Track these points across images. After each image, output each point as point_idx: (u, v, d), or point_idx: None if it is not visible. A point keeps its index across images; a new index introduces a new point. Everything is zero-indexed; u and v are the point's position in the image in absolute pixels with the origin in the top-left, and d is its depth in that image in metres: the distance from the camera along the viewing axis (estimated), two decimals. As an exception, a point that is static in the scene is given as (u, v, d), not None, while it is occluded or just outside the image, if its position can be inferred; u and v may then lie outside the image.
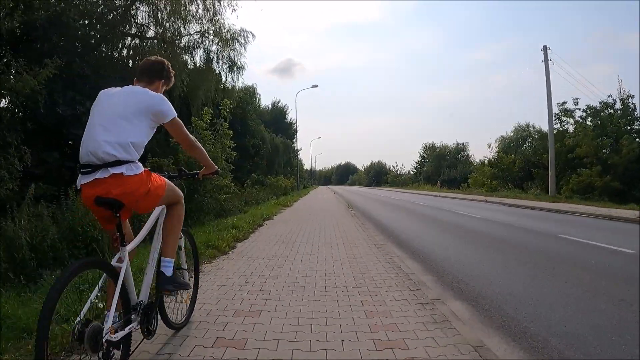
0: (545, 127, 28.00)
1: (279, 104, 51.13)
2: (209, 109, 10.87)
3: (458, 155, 52.91)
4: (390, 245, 6.82)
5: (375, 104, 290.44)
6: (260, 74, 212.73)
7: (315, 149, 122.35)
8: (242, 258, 5.42)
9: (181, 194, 2.51)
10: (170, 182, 2.43)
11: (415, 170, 62.79)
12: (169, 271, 2.34)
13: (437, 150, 56.48)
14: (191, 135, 2.46)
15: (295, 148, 40.51)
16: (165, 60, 2.53)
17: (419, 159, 61.26)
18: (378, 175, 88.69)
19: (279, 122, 47.43)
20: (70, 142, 11.77)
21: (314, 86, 36.71)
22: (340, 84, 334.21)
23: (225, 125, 10.86)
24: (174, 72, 2.57)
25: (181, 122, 2.33)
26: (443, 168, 49.91)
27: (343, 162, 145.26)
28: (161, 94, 2.34)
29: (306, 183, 62.52)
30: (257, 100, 36.07)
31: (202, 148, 2.57)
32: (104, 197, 1.97)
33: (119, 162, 1.99)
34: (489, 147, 41.14)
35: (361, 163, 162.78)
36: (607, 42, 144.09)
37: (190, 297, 3.08)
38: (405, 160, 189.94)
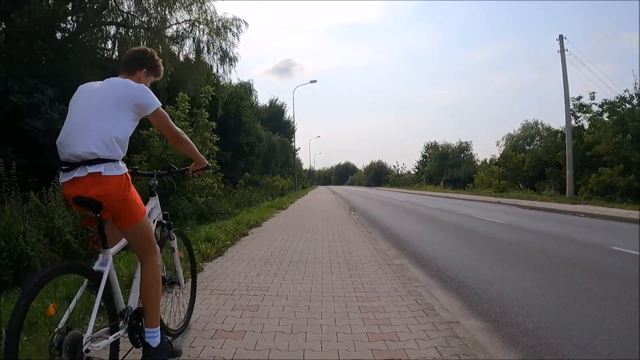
0: (555, 124, 26.44)
1: (277, 102, 49.83)
2: (185, 95, 9.21)
3: (461, 155, 51.22)
4: (408, 264, 5.19)
5: (375, 104, 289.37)
6: (260, 74, 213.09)
7: (314, 149, 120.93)
8: (203, 291, 3.77)
9: (157, 249, 2.21)
10: (151, 223, 2.27)
11: (417, 170, 60.99)
12: (155, 342, 2.08)
13: (440, 149, 54.72)
14: (177, 127, 2.29)
15: (293, 147, 38.85)
16: (148, 49, 2.36)
17: (421, 159, 59.51)
18: (378, 175, 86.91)
19: (276, 120, 46.07)
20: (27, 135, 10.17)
21: (313, 81, 34.93)
22: (340, 84, 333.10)
23: (205, 115, 9.21)
24: (160, 60, 2.38)
25: (166, 113, 2.19)
26: (446, 168, 48.20)
27: (342, 162, 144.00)
28: (143, 85, 2.13)
29: (305, 183, 60.95)
30: (254, 97, 34.53)
31: (190, 141, 2.39)
32: (82, 196, 1.85)
33: (98, 161, 1.85)
34: (497, 144, 39.13)
35: (361, 163, 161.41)
36: (607, 42, 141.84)
37: (188, 302, 2.92)
38: (404, 160, 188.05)
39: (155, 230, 2.37)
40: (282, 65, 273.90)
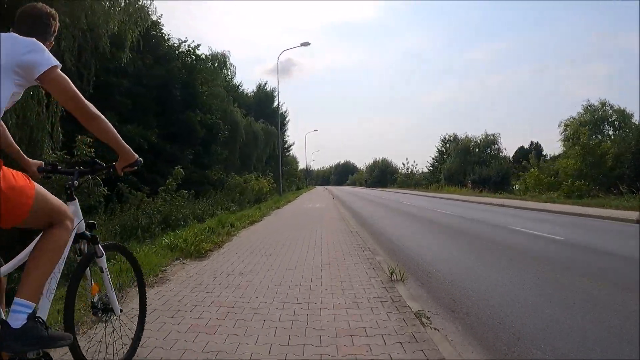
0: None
1: (265, 87, 41.61)
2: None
3: (487, 150, 42.54)
4: None
5: (374, 103, 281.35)
6: (259, 74, 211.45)
7: (312, 146, 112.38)
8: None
9: (70, 214, 1.72)
10: (48, 193, 1.64)
11: (431, 168, 52.07)
12: (16, 321, 1.46)
13: (459, 143, 45.79)
14: (86, 100, 1.58)
15: (279, 134, 30.29)
16: (52, 10, 1.74)
17: (437, 155, 50.63)
18: (383, 175, 78.21)
19: (264, 108, 37.92)
20: None
21: (304, 44, 26.18)
22: (338, 83, 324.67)
23: None
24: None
25: (66, 77, 1.54)
26: (470, 165, 39.57)
27: (342, 162, 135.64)
28: (34, 39, 1.55)
29: (300, 184, 52.29)
30: (229, 72, 25.86)
31: (107, 121, 1.66)
32: None
33: None
34: (562, 126, 29.15)
35: (362, 162, 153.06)
36: (606, 42, 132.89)
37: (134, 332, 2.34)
38: (405, 159, 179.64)
39: (75, 247, 1.90)
40: (282, 65, 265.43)
